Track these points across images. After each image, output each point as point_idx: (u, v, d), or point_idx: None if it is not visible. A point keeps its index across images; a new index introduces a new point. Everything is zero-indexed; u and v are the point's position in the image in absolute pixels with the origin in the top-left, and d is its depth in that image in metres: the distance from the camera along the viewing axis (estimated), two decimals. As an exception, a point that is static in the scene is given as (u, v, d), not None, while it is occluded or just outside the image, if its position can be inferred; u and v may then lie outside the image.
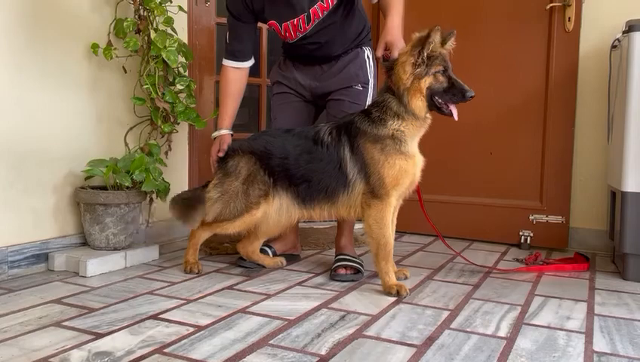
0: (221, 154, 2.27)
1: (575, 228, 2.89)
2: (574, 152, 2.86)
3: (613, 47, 2.54)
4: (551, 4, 2.83)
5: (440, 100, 1.96)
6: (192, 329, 1.62)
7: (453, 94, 1.94)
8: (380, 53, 2.11)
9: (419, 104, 1.96)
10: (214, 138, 2.35)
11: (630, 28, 2.26)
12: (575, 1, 2.77)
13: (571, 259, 2.55)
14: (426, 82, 1.93)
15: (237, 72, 2.34)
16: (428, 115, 2.01)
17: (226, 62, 2.34)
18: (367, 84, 2.33)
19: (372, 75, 2.36)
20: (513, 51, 2.95)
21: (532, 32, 2.90)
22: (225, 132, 2.33)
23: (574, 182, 2.88)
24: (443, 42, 1.96)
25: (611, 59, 2.56)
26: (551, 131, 2.88)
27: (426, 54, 1.91)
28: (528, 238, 2.91)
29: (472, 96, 1.93)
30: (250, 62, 2.37)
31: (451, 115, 1.97)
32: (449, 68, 1.95)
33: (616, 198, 2.40)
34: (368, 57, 2.36)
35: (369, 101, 2.31)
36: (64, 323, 1.65)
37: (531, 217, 2.93)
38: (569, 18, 2.80)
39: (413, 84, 1.94)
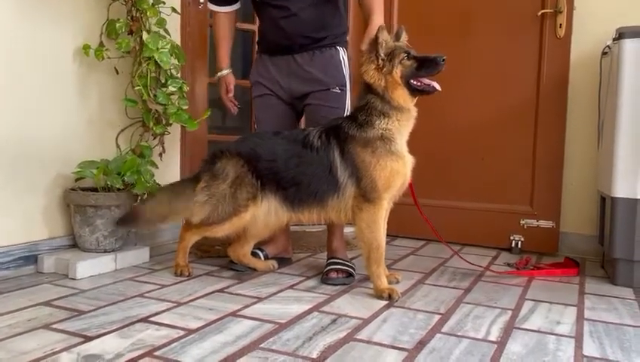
0: (230, 95, 2.50)
1: (565, 233, 2.91)
2: (565, 157, 2.88)
3: (604, 53, 2.56)
4: (543, 11, 2.85)
5: (417, 83, 1.99)
6: (182, 333, 1.61)
7: (427, 67, 1.99)
8: (364, 47, 2.10)
9: (401, 93, 1.99)
10: (218, 79, 2.52)
11: (620, 35, 2.28)
12: (567, 8, 2.80)
13: (561, 264, 2.57)
14: (398, 73, 1.98)
15: (225, 15, 2.46)
16: (413, 106, 2.04)
17: (212, 6, 2.48)
18: (345, 86, 2.33)
19: (348, 77, 2.36)
20: (505, 57, 2.97)
21: (524, 38, 2.92)
22: (226, 72, 2.49)
23: (565, 187, 2.90)
24: (397, 38, 2.05)
25: (602, 65, 2.59)
26: (542, 136, 2.90)
27: (382, 54, 1.98)
28: (519, 243, 2.93)
29: (444, 59, 1.97)
30: (236, 6, 2.47)
31: (434, 89, 2.00)
32: (411, 51, 2.01)
33: (606, 204, 2.42)
34: (344, 58, 2.35)
35: (348, 104, 2.33)
36: (53, 326, 1.63)
37: (522, 222, 2.95)
38: (560, 24, 2.82)
39: (388, 81, 1.99)
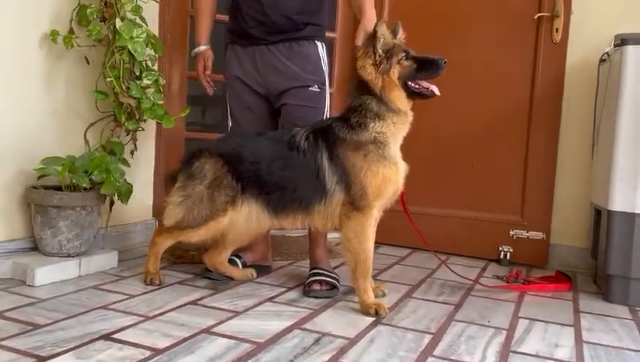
0: (208, 72, 2.34)
1: (555, 245, 2.80)
2: (557, 166, 2.78)
3: (602, 60, 2.46)
4: (539, 14, 2.75)
5: (416, 85, 1.88)
6: (147, 354, 1.44)
7: (427, 70, 1.87)
8: (359, 42, 1.98)
9: (398, 95, 1.87)
10: (194, 55, 2.36)
11: (623, 41, 2.18)
12: (564, 12, 2.70)
13: (553, 278, 2.47)
14: (395, 73, 1.86)
15: None
16: (409, 109, 1.91)
17: None
18: (324, 84, 2.20)
19: (327, 74, 2.23)
20: (498, 61, 2.86)
21: (519, 42, 2.81)
22: (204, 47, 2.33)
23: (556, 197, 2.80)
24: (394, 35, 1.92)
25: (599, 72, 2.49)
26: (534, 144, 2.79)
27: (381, 50, 1.85)
28: (508, 254, 2.82)
29: (445, 62, 1.85)
30: None
31: (433, 94, 1.89)
32: (410, 51, 1.89)
33: (602, 217, 2.32)
34: (323, 55, 2.22)
35: (328, 103, 2.21)
36: (2, 343, 1.46)
37: (512, 232, 2.84)
38: (557, 29, 2.72)
39: (385, 81, 1.86)
